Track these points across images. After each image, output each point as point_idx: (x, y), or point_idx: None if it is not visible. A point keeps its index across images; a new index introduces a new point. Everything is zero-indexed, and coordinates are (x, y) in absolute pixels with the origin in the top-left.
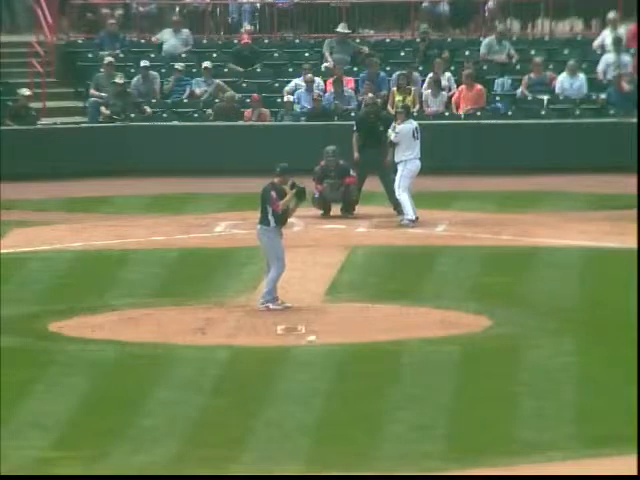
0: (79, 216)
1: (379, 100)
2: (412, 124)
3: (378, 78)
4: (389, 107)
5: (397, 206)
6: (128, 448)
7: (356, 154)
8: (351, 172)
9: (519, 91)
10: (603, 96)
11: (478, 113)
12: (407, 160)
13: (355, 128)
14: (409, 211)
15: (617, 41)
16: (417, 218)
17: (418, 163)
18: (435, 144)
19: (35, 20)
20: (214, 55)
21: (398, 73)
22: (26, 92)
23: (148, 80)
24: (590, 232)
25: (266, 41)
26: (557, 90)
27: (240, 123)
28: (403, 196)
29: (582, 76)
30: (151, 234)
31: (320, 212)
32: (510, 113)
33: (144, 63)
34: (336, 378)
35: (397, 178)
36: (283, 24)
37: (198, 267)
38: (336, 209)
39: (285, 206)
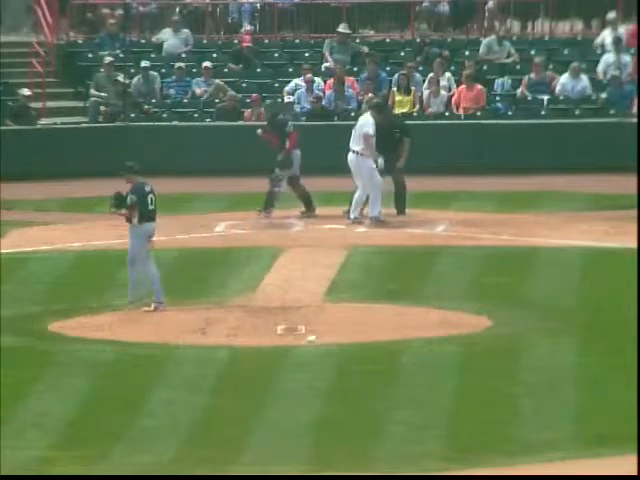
0: (79, 216)
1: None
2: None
3: (378, 78)
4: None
5: (401, 209)
6: (128, 448)
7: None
8: (289, 127)
9: (519, 91)
10: (603, 96)
11: (478, 113)
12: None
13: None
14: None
15: (617, 41)
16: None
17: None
18: (435, 144)
19: (35, 20)
20: (214, 55)
21: (398, 73)
22: (26, 92)
23: (148, 80)
24: (590, 232)
25: (266, 41)
26: (557, 91)
27: (240, 123)
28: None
29: (585, 78)
30: None
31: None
32: (510, 113)
33: (144, 63)
34: (336, 378)
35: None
36: (283, 24)
37: (198, 267)
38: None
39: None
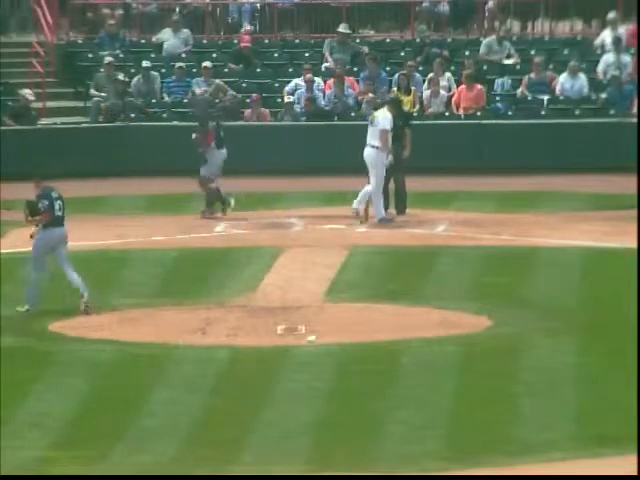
0: (79, 216)
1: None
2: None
3: (379, 78)
4: None
5: (401, 209)
6: (128, 448)
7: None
8: (210, 125)
9: (519, 91)
10: (603, 96)
11: (478, 113)
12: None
13: None
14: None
15: (617, 41)
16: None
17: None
18: (435, 144)
19: (35, 20)
20: (214, 55)
21: (398, 73)
22: (28, 94)
23: (148, 80)
24: (590, 232)
25: (266, 41)
26: (557, 91)
27: (240, 123)
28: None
29: (583, 76)
30: (151, 234)
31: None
32: (510, 113)
33: (145, 64)
34: (336, 378)
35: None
36: (283, 24)
37: (198, 267)
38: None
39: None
